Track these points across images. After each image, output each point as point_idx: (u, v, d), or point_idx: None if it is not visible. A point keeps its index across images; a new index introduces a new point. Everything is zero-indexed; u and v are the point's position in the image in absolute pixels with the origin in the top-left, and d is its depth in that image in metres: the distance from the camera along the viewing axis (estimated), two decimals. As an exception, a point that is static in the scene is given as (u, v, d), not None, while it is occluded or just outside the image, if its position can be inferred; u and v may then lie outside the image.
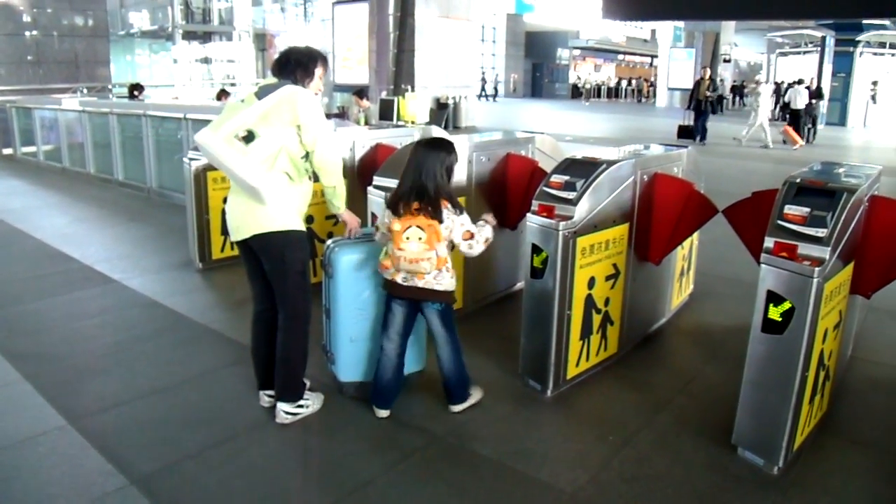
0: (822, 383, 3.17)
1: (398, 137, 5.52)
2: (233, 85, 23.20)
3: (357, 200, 4.44)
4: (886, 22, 22.10)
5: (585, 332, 3.71)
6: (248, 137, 3.04)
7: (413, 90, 17.47)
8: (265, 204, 3.09)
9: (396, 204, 3.18)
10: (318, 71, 3.30)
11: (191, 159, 5.70)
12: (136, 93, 11.29)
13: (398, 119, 14.68)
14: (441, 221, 3.12)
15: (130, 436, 3.27)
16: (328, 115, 14.15)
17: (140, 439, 3.24)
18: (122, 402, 3.58)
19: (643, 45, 47.38)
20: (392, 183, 3.71)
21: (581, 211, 3.45)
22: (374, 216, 4.16)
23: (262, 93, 3.10)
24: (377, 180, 4.28)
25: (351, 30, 18.28)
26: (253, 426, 3.37)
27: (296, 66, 3.22)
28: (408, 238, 3.08)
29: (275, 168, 3.11)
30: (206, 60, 26.96)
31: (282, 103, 3.07)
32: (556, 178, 3.59)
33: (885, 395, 3.85)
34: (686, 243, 4.66)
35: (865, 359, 4.24)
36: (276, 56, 3.36)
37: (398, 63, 17.55)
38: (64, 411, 3.44)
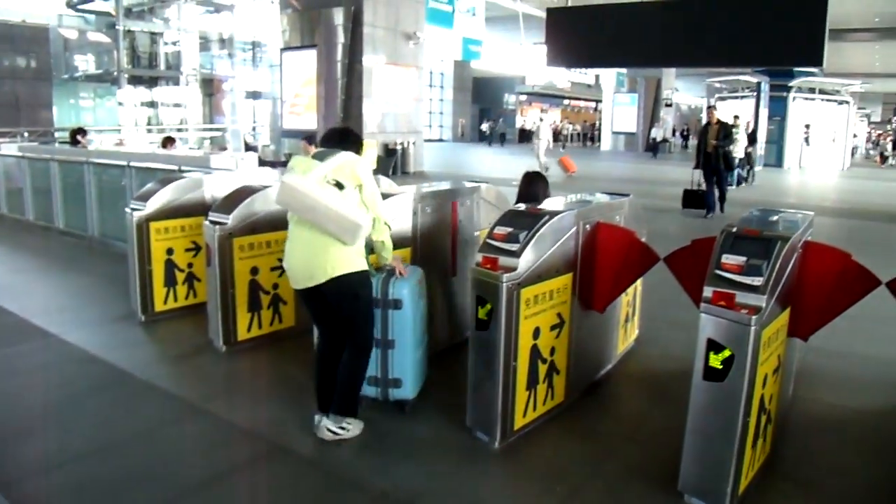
0: (763, 427, 3.23)
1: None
2: (179, 130, 22.92)
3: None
4: (815, 70, 23.16)
5: (532, 383, 3.72)
6: (339, 185, 3.44)
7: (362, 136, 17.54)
8: (353, 244, 3.47)
9: None
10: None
11: (133, 209, 5.59)
12: (78, 137, 10.92)
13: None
14: None
15: (67, 499, 3.14)
16: (276, 162, 14.07)
17: (78, 503, 3.11)
18: (58, 464, 3.43)
19: (588, 91, 48.54)
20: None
21: (525, 262, 3.48)
22: None
23: (319, 156, 3.52)
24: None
25: (299, 76, 18.35)
26: (198, 485, 3.27)
27: (353, 142, 3.73)
28: None
29: (369, 212, 3.55)
30: (153, 104, 26.62)
31: (344, 165, 3.49)
32: (499, 230, 3.63)
33: (826, 434, 3.95)
34: (630, 289, 4.73)
35: (806, 397, 4.34)
36: (327, 132, 3.87)
37: (346, 109, 17.66)
38: (-6, 477, 3.30)
